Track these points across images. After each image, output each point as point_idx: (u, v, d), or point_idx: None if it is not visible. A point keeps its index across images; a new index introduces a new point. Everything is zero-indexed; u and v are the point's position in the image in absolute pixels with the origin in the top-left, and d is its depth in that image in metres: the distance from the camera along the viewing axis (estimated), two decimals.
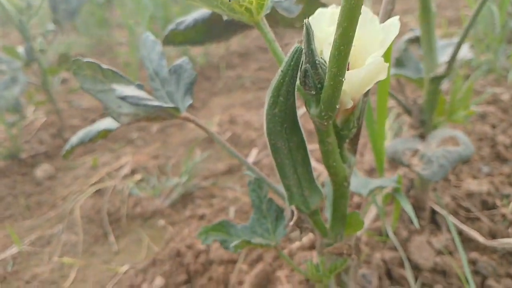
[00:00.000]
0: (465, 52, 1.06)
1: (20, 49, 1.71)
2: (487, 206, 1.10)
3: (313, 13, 0.89)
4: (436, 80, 0.92)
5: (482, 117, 1.48)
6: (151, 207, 1.29)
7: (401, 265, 0.95)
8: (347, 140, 0.61)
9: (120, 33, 3.34)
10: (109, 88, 0.74)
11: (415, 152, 0.88)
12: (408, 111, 0.99)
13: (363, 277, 0.92)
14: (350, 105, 0.53)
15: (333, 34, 0.49)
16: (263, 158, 1.48)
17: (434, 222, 1.06)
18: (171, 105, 0.72)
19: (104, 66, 0.73)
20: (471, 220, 1.06)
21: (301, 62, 0.50)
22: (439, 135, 0.90)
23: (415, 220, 0.72)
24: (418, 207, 1.07)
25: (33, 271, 1.14)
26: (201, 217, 1.24)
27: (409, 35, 1.08)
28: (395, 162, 0.91)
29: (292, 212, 0.64)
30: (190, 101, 0.74)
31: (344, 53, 0.43)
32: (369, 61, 0.48)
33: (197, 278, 1.02)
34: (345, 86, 0.49)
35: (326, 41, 0.51)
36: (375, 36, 0.52)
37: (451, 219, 1.03)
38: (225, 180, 1.43)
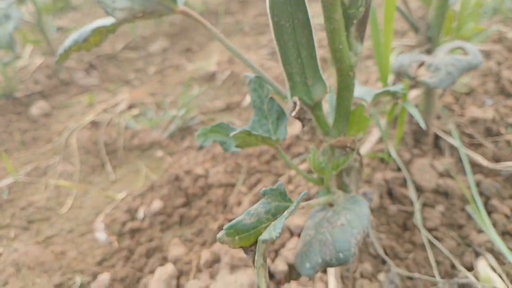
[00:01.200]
0: None
1: None
2: (491, 133, 1.08)
3: None
4: None
5: (488, 54, 1.45)
6: (149, 139, 1.27)
7: (403, 185, 0.93)
8: (355, 22, 0.58)
9: None
10: None
11: (422, 64, 0.85)
12: (415, 28, 0.95)
13: (363, 195, 0.90)
14: None
15: None
16: None
17: (437, 147, 1.04)
18: None
19: None
20: (474, 146, 1.04)
21: None
22: (446, 47, 0.87)
23: (421, 122, 0.70)
24: (421, 133, 1.04)
25: (28, 199, 1.12)
26: (200, 148, 1.21)
27: None
28: (401, 76, 0.88)
29: (294, 103, 0.61)
30: None
31: None
32: None
33: (195, 201, 1.01)
34: None
35: None
36: None
37: (455, 143, 1.01)
38: (223, 116, 1.40)
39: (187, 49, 1.95)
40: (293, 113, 0.60)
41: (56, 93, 1.68)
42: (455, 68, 0.78)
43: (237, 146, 0.66)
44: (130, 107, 1.46)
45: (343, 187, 0.71)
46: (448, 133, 1.05)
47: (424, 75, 0.81)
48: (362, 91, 0.79)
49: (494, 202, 0.89)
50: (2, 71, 1.59)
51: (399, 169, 0.97)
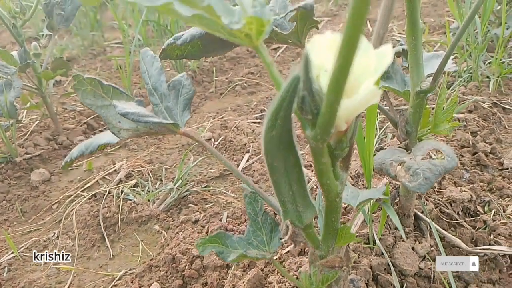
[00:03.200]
0: (450, 65, 1.11)
1: (14, 53, 1.71)
2: (469, 213, 1.15)
3: (305, 29, 0.93)
4: (422, 94, 0.97)
5: (464, 124, 1.54)
6: (146, 212, 1.32)
7: (387, 271, 1.00)
8: (340, 159, 0.65)
9: (113, 35, 3.35)
10: (110, 103, 0.77)
11: (402, 164, 0.92)
12: (394, 123, 1.04)
13: (351, 283, 0.96)
14: (344, 128, 0.57)
15: (329, 61, 0.53)
16: (254, 163, 1.52)
17: (419, 228, 1.11)
18: (170, 121, 0.75)
19: (105, 82, 0.76)
20: (453, 226, 1.12)
21: (298, 89, 0.53)
22: (424, 146, 0.95)
23: (402, 231, 0.77)
24: (403, 214, 1.11)
25: (29, 277, 1.16)
26: (195, 222, 1.27)
27: (396, 48, 1.13)
28: (383, 172, 0.95)
29: (287, 227, 0.68)
30: (189, 117, 0.78)
31: (341, 84, 0.47)
32: (363, 89, 0.52)
33: (192, 283, 1.06)
34: (340, 112, 0.53)
35: (323, 68, 0.55)
36: (369, 63, 0.56)
37: (434, 226, 1.08)
38: (217, 185, 1.46)
39: None
40: (286, 237, 0.67)
41: (55, 157, 1.73)
42: (432, 173, 0.86)
43: (234, 261, 0.72)
44: (128, 176, 1.51)
45: None
46: (428, 213, 1.12)
47: (403, 177, 0.89)
48: (348, 195, 0.87)
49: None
50: (3, 136, 1.64)
51: (383, 254, 1.03)
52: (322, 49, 0.56)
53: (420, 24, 0.95)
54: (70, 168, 1.65)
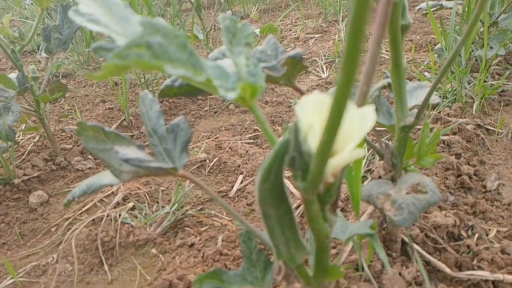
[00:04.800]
0: (433, 97, 1.17)
1: (13, 76, 1.75)
2: (453, 237, 1.21)
3: (295, 72, 0.98)
4: (406, 129, 1.03)
5: (448, 146, 1.60)
6: (144, 236, 1.36)
7: None
8: (329, 204, 0.70)
9: None
10: (111, 147, 0.82)
11: (388, 197, 0.98)
12: (380, 155, 1.09)
13: None
14: (331, 180, 0.62)
15: (317, 123, 0.58)
16: (248, 185, 1.57)
17: (405, 253, 1.16)
18: (170, 165, 0.80)
19: (107, 128, 0.80)
20: (438, 251, 1.17)
21: (289, 149, 0.59)
22: (408, 180, 1.00)
23: (388, 266, 0.82)
24: (390, 239, 1.17)
25: None
26: (191, 246, 1.32)
27: (382, 82, 1.19)
28: (370, 203, 1.01)
29: (280, 267, 0.73)
30: (186, 159, 0.82)
31: (327, 151, 0.52)
32: (349, 151, 0.57)
33: None
34: (326, 169, 0.58)
35: (311, 128, 0.60)
36: (352, 123, 0.61)
37: (419, 251, 1.13)
38: (212, 207, 1.51)
39: None
40: (280, 277, 0.72)
41: (53, 178, 1.77)
42: (415, 208, 0.91)
43: None
44: (125, 199, 1.56)
45: None
46: (414, 238, 1.17)
47: (389, 210, 0.94)
48: (337, 229, 0.92)
49: None
50: (1, 158, 1.67)
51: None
52: (309, 110, 0.62)
53: (403, 64, 1.00)
54: (68, 190, 1.69)
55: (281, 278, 0.72)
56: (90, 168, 1.84)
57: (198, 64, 0.57)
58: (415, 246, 1.14)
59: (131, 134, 2.13)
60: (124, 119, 2.23)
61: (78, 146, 2.00)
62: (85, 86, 2.76)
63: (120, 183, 0.81)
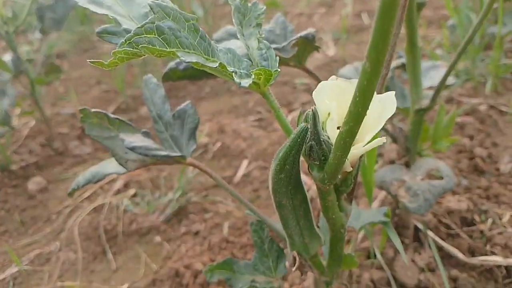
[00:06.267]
0: (449, 80, 1.12)
1: (6, 58, 1.69)
2: (466, 222, 1.18)
3: (306, 53, 0.93)
4: (421, 112, 0.98)
5: (461, 127, 1.56)
6: (147, 223, 1.33)
7: (389, 284, 1.02)
8: (345, 194, 0.66)
9: None
10: (116, 134, 0.77)
11: (402, 183, 0.94)
12: (394, 139, 1.05)
13: None
14: (349, 169, 0.58)
15: (335, 110, 0.54)
16: (253, 170, 1.53)
17: (418, 239, 1.13)
18: (178, 153, 0.76)
19: (111, 115, 0.76)
20: (451, 236, 1.14)
21: (306, 138, 0.54)
22: (423, 166, 0.97)
23: (403, 256, 0.79)
24: (402, 226, 1.14)
25: None
26: (196, 234, 1.29)
27: (396, 63, 1.14)
28: (383, 190, 0.97)
29: (294, 257, 0.70)
30: (194, 146, 0.78)
31: (349, 143, 0.48)
32: (368, 139, 0.53)
33: None
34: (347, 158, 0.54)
35: (329, 116, 0.56)
36: (372, 110, 0.57)
37: (432, 237, 1.10)
38: (216, 193, 1.47)
39: None
40: (294, 268, 0.69)
41: (51, 164, 1.72)
42: (431, 194, 0.88)
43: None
44: (126, 185, 1.52)
45: None
46: (427, 224, 1.14)
47: (404, 197, 0.91)
48: (351, 216, 0.88)
49: None
50: None
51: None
52: (326, 96, 0.57)
53: (419, 44, 0.95)
54: (66, 176, 1.65)
55: (295, 269, 0.69)
56: (88, 153, 1.80)
57: (210, 49, 0.52)
58: (429, 232, 1.11)
59: (130, 117, 2.07)
60: (123, 102, 2.18)
61: (75, 130, 1.95)
62: (79, 67, 2.70)
63: (126, 172, 0.77)
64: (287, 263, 0.76)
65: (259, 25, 0.66)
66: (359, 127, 0.46)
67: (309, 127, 0.53)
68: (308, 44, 0.84)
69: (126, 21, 0.64)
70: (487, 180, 1.32)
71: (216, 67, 0.49)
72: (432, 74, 1.13)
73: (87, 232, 1.34)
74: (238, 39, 0.93)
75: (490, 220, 1.16)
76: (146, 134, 0.78)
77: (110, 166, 0.81)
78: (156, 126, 0.82)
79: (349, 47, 2.45)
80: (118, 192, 1.50)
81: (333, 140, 0.54)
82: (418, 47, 0.97)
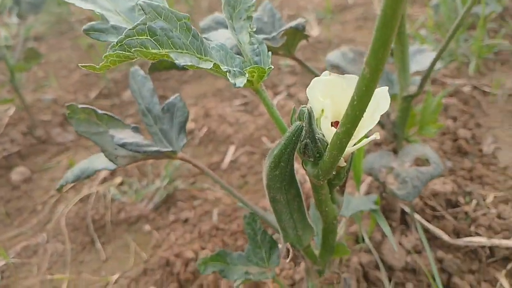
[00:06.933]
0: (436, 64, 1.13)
1: None
2: (451, 204, 1.20)
3: (295, 42, 0.92)
4: (409, 99, 0.99)
5: (445, 109, 1.58)
6: (135, 212, 1.33)
7: (377, 267, 1.04)
8: (338, 187, 0.67)
9: (81, 9, 3.20)
10: (104, 130, 0.76)
11: (390, 170, 0.95)
12: (381, 125, 1.06)
13: (344, 281, 1.01)
14: (343, 164, 0.59)
15: (329, 107, 0.54)
16: (240, 156, 1.53)
17: (404, 222, 1.16)
18: (168, 148, 0.75)
19: (99, 110, 0.74)
20: (437, 218, 1.17)
21: (301, 136, 0.54)
22: (411, 152, 0.98)
23: (392, 241, 0.80)
24: (389, 210, 1.16)
25: (23, 284, 1.17)
26: (185, 221, 1.29)
27: None
28: (372, 177, 0.98)
29: (287, 249, 0.71)
30: (185, 140, 0.78)
31: (345, 142, 0.48)
32: (363, 135, 0.53)
33: (188, 286, 1.09)
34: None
35: (323, 113, 0.56)
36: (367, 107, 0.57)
37: (419, 219, 1.13)
38: (203, 180, 1.47)
39: (160, 96, 1.99)
40: (288, 260, 0.70)
41: (34, 153, 1.69)
42: (419, 181, 0.89)
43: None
44: (113, 174, 1.50)
45: None
46: (413, 207, 1.17)
47: (392, 184, 0.92)
48: None
49: (456, 280, 1.02)
50: None
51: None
52: (319, 92, 0.57)
53: (407, 32, 0.95)
54: (50, 165, 1.62)
55: (289, 260, 0.70)
56: (71, 140, 1.77)
57: (202, 48, 0.51)
58: (415, 215, 1.13)
59: (112, 102, 2.04)
60: (105, 87, 2.13)
61: (57, 117, 1.91)
62: (57, 50, 2.63)
63: (116, 167, 0.76)
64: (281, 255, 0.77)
65: (249, 18, 0.65)
66: (356, 128, 0.46)
67: (304, 125, 0.53)
68: (297, 33, 0.84)
69: (113, 15, 0.63)
70: (471, 161, 1.35)
71: (211, 68, 0.48)
72: (418, 59, 1.13)
73: (75, 222, 1.32)
74: (226, 28, 0.92)
75: (474, 202, 1.19)
76: (136, 129, 0.77)
77: (99, 161, 0.80)
78: (145, 120, 0.81)
79: (334, 27, 2.44)
80: (105, 180, 1.48)
81: (327, 137, 0.55)
82: (406, 35, 0.97)
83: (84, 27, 0.58)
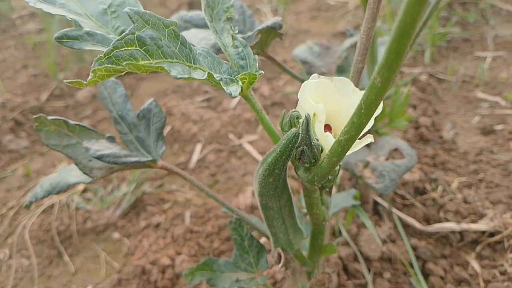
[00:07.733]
0: None
1: None
2: (419, 191, 1.24)
3: (269, 40, 0.91)
4: None
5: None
6: (103, 220, 1.27)
7: (355, 259, 1.06)
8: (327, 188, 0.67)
9: (21, 3, 3.02)
10: (77, 142, 0.72)
11: (366, 164, 0.96)
12: None
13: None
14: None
15: (323, 111, 0.53)
16: (208, 154, 1.50)
17: (377, 213, 1.18)
18: (148, 158, 0.72)
19: (71, 121, 0.70)
20: (407, 207, 1.20)
21: (297, 143, 0.53)
22: (385, 146, 0.99)
23: (376, 236, 0.81)
24: (362, 201, 1.18)
25: None
26: (157, 226, 1.25)
27: (350, 41, 1.14)
28: (348, 172, 0.99)
29: (279, 254, 0.70)
30: (164, 148, 0.74)
31: (347, 149, 0.48)
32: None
33: None
34: None
35: (315, 117, 0.55)
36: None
37: (392, 210, 1.15)
38: (171, 181, 1.43)
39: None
40: (280, 265, 0.69)
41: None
42: (396, 174, 0.91)
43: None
44: None
45: None
46: (385, 197, 1.19)
47: (370, 178, 0.93)
48: None
49: (430, 266, 1.05)
50: None
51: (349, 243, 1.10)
52: (310, 95, 0.56)
53: (376, 23, 0.96)
54: (5, 175, 1.53)
55: (282, 265, 0.69)
56: (25, 147, 1.67)
57: (191, 56, 0.49)
58: (387, 205, 1.16)
59: (66, 103, 1.94)
60: (56, 87, 2.03)
61: (7, 122, 1.79)
62: (0, 49, 2.46)
63: (91, 181, 0.72)
64: (270, 259, 0.76)
65: (229, 19, 0.63)
66: (360, 135, 0.46)
67: (300, 132, 0.52)
68: (271, 32, 0.82)
69: (85, 20, 0.58)
70: (433, 148, 1.39)
71: (205, 78, 0.45)
72: (381, 50, 1.15)
73: (38, 235, 1.25)
74: (196, 27, 0.89)
75: (440, 188, 1.23)
76: (111, 139, 0.72)
77: (72, 174, 0.76)
78: (118, 128, 0.77)
79: (288, 18, 2.44)
80: (67, 189, 1.41)
81: (320, 141, 0.54)
82: (374, 27, 0.98)
83: (56, 35, 0.53)
